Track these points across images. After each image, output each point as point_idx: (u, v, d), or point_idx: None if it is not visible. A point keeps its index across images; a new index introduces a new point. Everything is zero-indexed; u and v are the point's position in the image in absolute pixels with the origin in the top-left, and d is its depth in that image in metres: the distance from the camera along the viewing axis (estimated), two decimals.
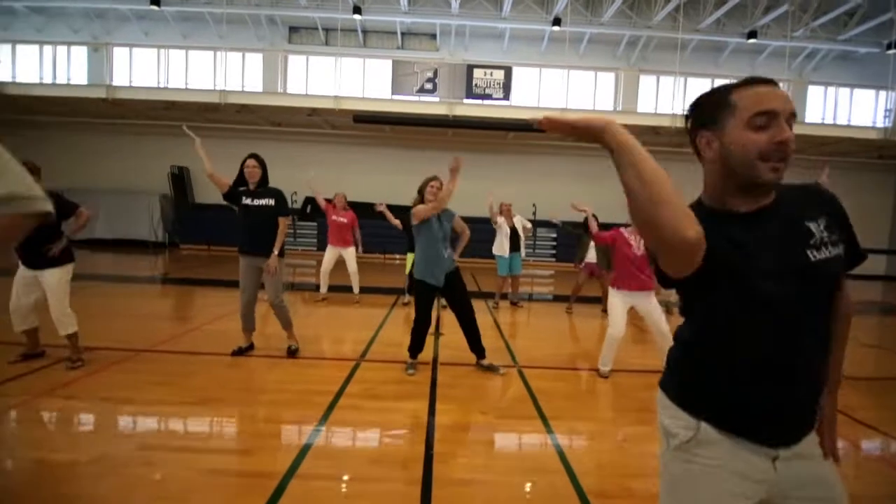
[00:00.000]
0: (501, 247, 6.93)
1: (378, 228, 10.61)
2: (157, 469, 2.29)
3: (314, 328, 5.30)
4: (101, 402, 3.05)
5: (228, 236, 9.35)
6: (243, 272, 4.05)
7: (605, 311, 7.10)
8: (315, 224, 14.13)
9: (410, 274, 6.81)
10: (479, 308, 4.71)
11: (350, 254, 6.85)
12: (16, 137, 12.21)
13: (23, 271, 3.56)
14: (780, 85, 0.98)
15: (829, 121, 14.76)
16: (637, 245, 3.89)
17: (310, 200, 13.66)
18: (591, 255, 6.94)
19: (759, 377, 1.01)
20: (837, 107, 15.02)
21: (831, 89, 14.97)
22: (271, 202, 3.98)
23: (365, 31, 14.22)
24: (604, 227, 4.22)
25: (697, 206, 1.08)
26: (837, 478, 1.09)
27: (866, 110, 14.86)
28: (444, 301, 4.78)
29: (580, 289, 7.15)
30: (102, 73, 13.96)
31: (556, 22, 12.62)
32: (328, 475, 2.32)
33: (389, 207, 6.11)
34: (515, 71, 13.16)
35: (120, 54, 14.39)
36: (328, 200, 6.79)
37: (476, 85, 12.60)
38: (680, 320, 1.18)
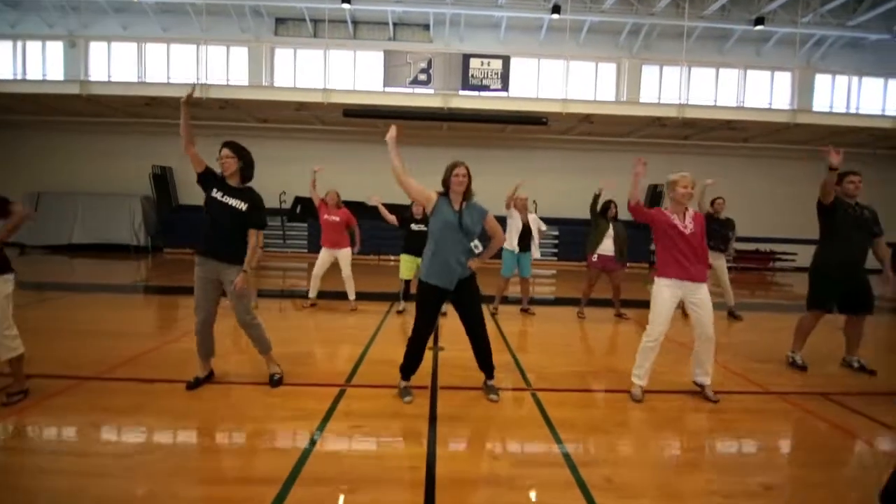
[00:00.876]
0: (510, 240, 6.10)
1: (373, 230, 10.01)
2: None
3: (293, 343, 4.67)
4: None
5: None
6: (199, 283, 3.24)
7: (618, 314, 6.50)
8: (306, 225, 13.49)
9: (407, 280, 6.33)
10: None
11: (344, 256, 6.26)
12: None
13: None
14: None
15: (839, 110, 14.26)
16: (683, 224, 3.30)
17: (300, 200, 13.03)
18: (606, 246, 6.15)
19: None
20: (850, 95, 14.47)
21: (840, 78, 14.45)
22: (243, 207, 3.21)
23: (355, 23, 13.61)
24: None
25: None
26: None
27: (875, 99, 14.38)
28: (442, 309, 4.19)
29: (592, 288, 6.44)
30: (79, 70, 13.30)
31: (556, 10, 12.04)
32: None
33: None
34: (513, 62, 12.54)
35: (97, 49, 13.71)
36: (321, 199, 6.27)
37: (472, 76, 11.95)
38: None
